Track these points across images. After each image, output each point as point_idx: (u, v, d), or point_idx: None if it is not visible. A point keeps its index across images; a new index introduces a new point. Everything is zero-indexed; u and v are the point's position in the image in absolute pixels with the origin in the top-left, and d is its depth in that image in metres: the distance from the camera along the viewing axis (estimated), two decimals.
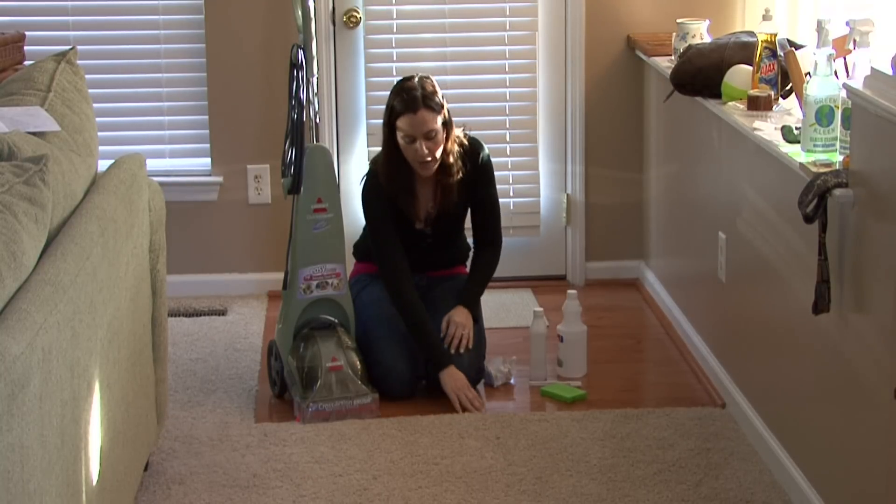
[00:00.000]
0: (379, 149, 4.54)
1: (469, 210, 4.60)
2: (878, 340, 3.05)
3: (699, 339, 4.71)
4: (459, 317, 4.48)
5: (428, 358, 4.43)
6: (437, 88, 4.40)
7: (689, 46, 4.59)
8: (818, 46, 3.58)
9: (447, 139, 4.40)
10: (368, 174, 4.55)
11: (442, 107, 4.38)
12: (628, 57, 5.48)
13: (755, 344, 4.10)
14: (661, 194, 5.32)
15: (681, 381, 4.59)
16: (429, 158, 4.37)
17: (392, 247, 4.47)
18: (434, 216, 4.53)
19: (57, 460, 2.61)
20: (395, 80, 4.51)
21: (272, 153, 5.19)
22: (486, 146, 4.56)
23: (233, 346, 4.94)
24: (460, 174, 4.46)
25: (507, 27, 5.47)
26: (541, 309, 4.67)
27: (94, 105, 3.77)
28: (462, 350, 4.43)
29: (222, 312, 5.31)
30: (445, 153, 4.41)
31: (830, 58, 3.47)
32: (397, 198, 4.47)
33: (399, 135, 4.38)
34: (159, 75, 5.45)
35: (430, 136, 4.35)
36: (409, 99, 4.34)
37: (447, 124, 4.40)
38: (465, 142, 4.49)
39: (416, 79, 4.40)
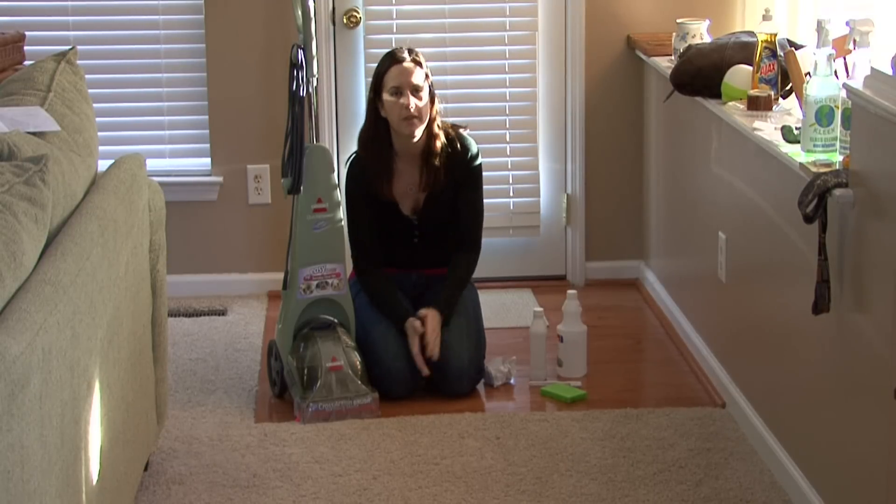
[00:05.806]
0: None
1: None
2: (878, 340, 3.05)
3: (699, 339, 4.70)
4: (431, 323, 4.41)
5: (394, 321, 4.44)
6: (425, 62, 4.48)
7: (689, 46, 4.59)
8: (818, 46, 3.57)
9: (431, 110, 4.42)
10: (354, 154, 4.57)
11: (428, 75, 4.43)
12: (628, 57, 5.48)
13: (755, 344, 4.10)
14: (661, 194, 5.31)
15: (681, 381, 4.59)
16: (415, 113, 4.37)
17: (364, 226, 4.50)
18: (421, 205, 4.53)
19: (57, 460, 2.61)
20: None
21: (272, 153, 5.19)
22: (478, 150, 4.55)
23: (233, 346, 4.94)
24: (445, 156, 4.46)
25: (507, 27, 5.47)
26: (541, 309, 4.67)
27: (94, 105, 3.77)
28: (430, 356, 4.39)
29: (222, 312, 5.30)
30: (431, 126, 4.42)
31: (830, 58, 3.46)
32: (377, 170, 4.47)
33: (386, 94, 4.39)
34: (159, 75, 5.45)
35: (416, 91, 4.37)
36: (398, 52, 4.44)
37: (431, 97, 4.43)
38: (456, 132, 4.50)
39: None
